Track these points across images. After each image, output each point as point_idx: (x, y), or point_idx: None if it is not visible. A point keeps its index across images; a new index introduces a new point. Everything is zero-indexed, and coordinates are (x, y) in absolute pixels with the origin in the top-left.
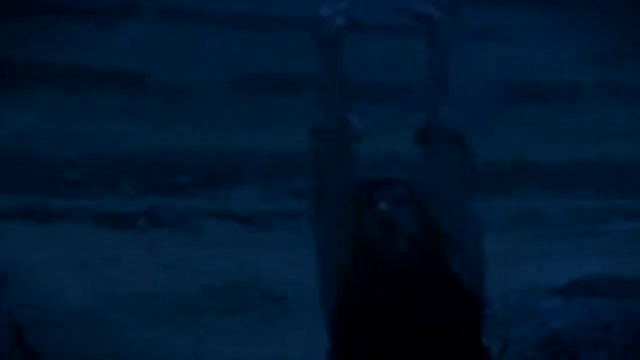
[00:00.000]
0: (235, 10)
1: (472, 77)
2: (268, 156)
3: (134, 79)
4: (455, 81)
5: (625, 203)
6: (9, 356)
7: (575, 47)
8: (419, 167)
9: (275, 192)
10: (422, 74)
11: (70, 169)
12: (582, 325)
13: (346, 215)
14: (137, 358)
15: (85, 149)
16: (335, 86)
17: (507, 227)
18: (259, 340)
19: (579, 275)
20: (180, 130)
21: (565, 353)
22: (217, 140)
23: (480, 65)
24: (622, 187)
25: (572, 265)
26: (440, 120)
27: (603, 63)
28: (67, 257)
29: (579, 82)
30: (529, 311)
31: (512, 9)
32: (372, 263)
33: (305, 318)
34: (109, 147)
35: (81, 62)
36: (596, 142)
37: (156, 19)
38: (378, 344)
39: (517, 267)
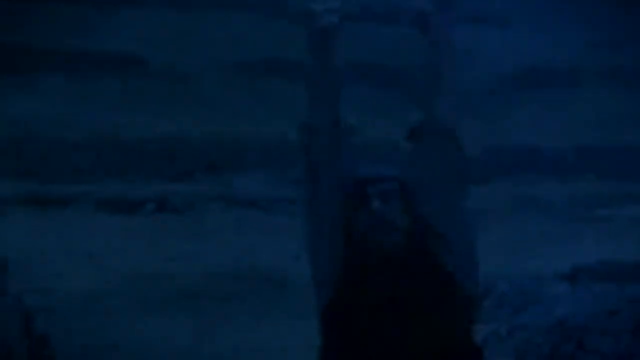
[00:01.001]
0: None
1: (464, 67)
2: (271, 142)
3: (135, 64)
4: (449, 73)
5: (628, 188)
6: (18, 341)
7: (575, 32)
8: (411, 159)
9: (278, 178)
10: (416, 60)
11: (73, 155)
12: (587, 312)
13: (339, 211)
14: (137, 346)
15: (88, 135)
16: (327, 81)
17: (510, 213)
18: (260, 327)
19: (583, 261)
20: (182, 116)
21: (571, 339)
22: (220, 125)
23: (478, 51)
24: (625, 172)
25: (577, 251)
26: (433, 117)
27: (604, 48)
28: (71, 243)
29: (580, 66)
30: (534, 298)
31: None
32: (364, 259)
33: (306, 305)
34: (111, 134)
35: (82, 47)
36: (597, 127)
37: (157, 4)
38: (369, 340)
39: (520, 253)
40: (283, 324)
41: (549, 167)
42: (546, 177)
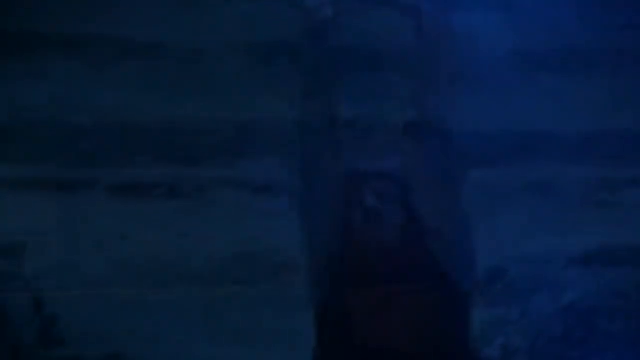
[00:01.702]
0: None
1: (464, 51)
2: (284, 127)
3: (148, 47)
4: (446, 58)
5: (638, 172)
6: (29, 324)
7: (591, 15)
8: (406, 153)
9: (290, 162)
10: (411, 46)
11: (85, 139)
12: (599, 295)
13: (335, 205)
14: (149, 330)
15: (100, 119)
16: (322, 73)
17: (521, 197)
18: (271, 312)
19: (594, 245)
20: (195, 99)
21: (582, 323)
22: (232, 110)
23: (492, 34)
24: (637, 156)
25: (588, 235)
26: (427, 114)
27: (620, 31)
28: (82, 227)
29: (594, 49)
30: (545, 281)
31: None
32: (360, 256)
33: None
34: (123, 118)
35: (95, 31)
36: (611, 111)
37: None
38: (364, 338)
39: (531, 237)
40: (292, 308)
41: (560, 151)
42: (553, 161)
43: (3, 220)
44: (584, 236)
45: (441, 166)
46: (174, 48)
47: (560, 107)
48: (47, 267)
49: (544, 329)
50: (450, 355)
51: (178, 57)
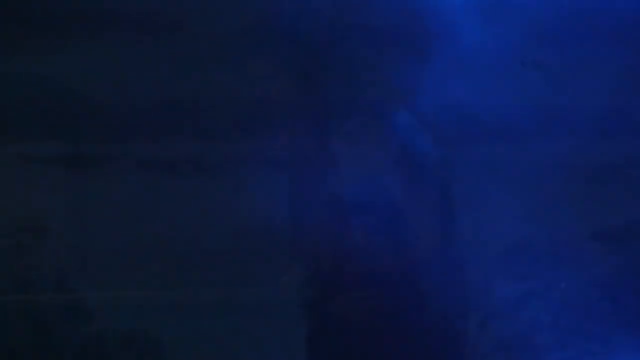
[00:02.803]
0: None
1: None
2: (306, 100)
3: (168, 26)
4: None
5: None
6: (50, 300)
7: None
8: (396, 181)
9: (314, 135)
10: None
11: (109, 115)
12: (623, 272)
13: (324, 232)
14: (169, 302)
15: (124, 95)
16: (313, 113)
17: (542, 174)
18: (289, 285)
19: (616, 221)
20: (216, 76)
21: (604, 297)
22: (253, 85)
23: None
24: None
25: (608, 211)
26: (413, 146)
27: None
28: (106, 202)
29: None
30: (568, 257)
31: None
32: (346, 283)
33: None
34: (147, 94)
35: (118, 9)
36: (631, 87)
37: None
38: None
39: (551, 214)
40: None
41: (579, 126)
42: (576, 135)
43: (26, 196)
44: (605, 213)
45: (432, 196)
46: (197, 27)
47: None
48: (69, 242)
49: (567, 304)
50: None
51: (199, 34)
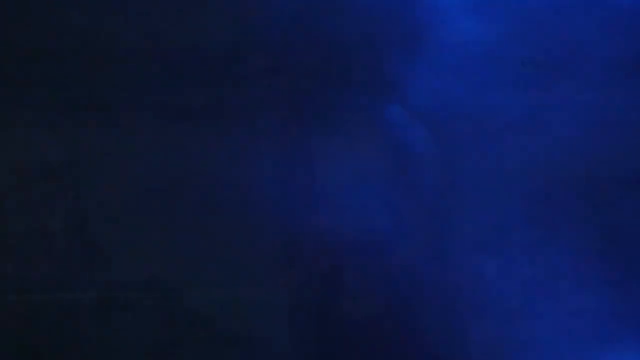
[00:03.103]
0: None
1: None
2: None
3: None
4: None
5: None
6: (70, 244)
7: None
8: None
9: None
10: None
11: (128, 64)
12: None
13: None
14: (186, 255)
15: (139, 44)
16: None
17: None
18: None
19: None
20: (231, 24)
21: None
22: (275, 32)
23: None
24: None
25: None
26: (405, 143)
27: None
28: (124, 150)
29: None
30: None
31: None
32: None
33: None
34: (162, 41)
35: None
36: None
37: None
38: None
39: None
40: None
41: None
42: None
43: (47, 144)
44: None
45: (423, 226)
46: None
47: None
48: (89, 189)
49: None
50: None
51: None
